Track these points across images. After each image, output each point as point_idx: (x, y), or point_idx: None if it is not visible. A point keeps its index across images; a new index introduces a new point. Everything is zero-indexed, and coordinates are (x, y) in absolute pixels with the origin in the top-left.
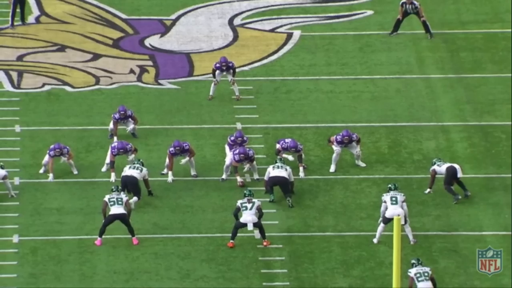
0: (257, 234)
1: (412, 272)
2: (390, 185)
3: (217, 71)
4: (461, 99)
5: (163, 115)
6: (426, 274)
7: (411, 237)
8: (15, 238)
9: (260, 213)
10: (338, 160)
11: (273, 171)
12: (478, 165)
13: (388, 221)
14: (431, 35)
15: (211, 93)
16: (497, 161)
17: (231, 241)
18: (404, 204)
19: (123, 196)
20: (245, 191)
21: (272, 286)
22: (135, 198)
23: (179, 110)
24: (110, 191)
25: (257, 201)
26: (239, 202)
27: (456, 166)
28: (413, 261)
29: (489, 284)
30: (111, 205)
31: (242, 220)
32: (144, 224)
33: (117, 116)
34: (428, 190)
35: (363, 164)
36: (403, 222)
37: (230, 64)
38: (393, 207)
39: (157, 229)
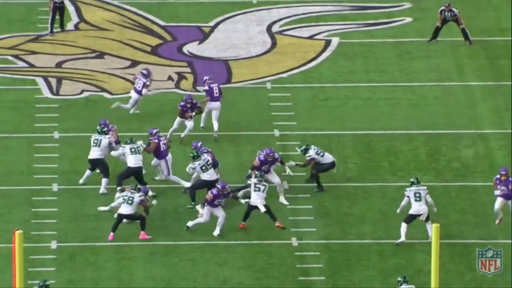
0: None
1: None
2: (412, 179)
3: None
4: (500, 107)
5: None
6: None
7: (430, 234)
8: (54, 244)
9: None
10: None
11: (203, 175)
12: None
13: (412, 219)
14: (470, 42)
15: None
16: None
17: (242, 222)
18: (428, 196)
19: (136, 195)
20: (257, 172)
21: None
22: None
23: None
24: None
25: (267, 185)
26: (252, 181)
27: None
28: (399, 278)
29: None
30: (122, 203)
31: (253, 201)
32: (181, 230)
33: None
34: (294, 164)
35: (286, 202)
36: (423, 219)
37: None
38: (417, 204)
39: (194, 236)
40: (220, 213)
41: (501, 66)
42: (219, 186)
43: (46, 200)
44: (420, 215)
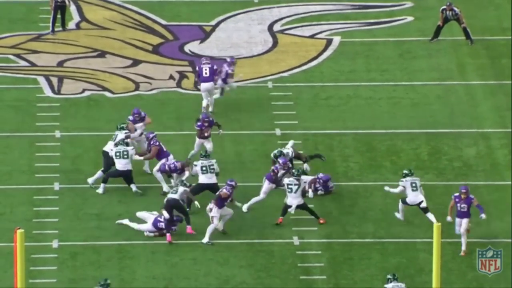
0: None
1: (389, 287)
2: (406, 171)
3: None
4: (501, 106)
5: None
6: None
7: (434, 220)
8: (55, 243)
9: (303, 195)
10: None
11: (201, 177)
12: None
13: (409, 206)
14: (471, 41)
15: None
16: None
17: (280, 217)
18: (421, 188)
19: (180, 187)
20: (294, 170)
21: None
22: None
23: (218, 116)
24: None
25: (303, 183)
26: (286, 181)
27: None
28: (388, 276)
29: None
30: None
31: (289, 202)
32: (183, 230)
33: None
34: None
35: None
36: (425, 205)
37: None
38: (414, 194)
39: (196, 235)
40: (228, 211)
41: (503, 65)
42: (232, 183)
43: (48, 199)
44: (416, 205)
